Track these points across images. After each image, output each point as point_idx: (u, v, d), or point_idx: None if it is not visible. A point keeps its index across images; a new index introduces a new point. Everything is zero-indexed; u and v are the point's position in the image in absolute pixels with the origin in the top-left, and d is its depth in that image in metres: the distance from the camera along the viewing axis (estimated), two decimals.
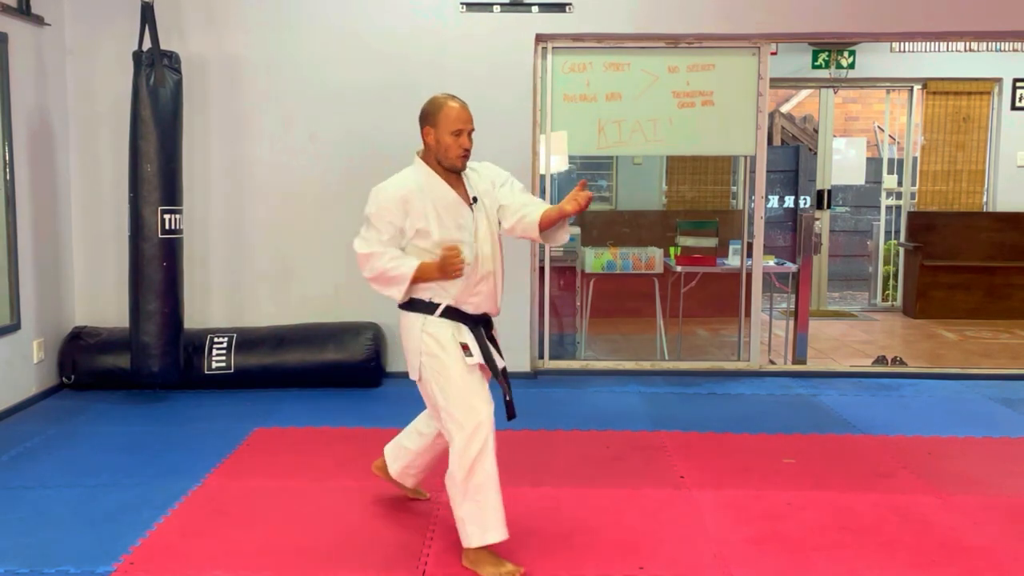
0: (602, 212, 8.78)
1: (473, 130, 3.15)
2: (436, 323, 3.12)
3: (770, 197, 9.93)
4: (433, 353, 3.10)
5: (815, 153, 9.30)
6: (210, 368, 5.36)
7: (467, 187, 3.18)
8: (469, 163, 3.20)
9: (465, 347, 3.11)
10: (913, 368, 6.25)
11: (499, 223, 3.23)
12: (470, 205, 3.15)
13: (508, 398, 3.14)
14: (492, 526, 3.03)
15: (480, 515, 3.03)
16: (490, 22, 5.67)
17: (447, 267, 3.01)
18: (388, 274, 3.09)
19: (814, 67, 8.25)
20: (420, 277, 3.07)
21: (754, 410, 5.17)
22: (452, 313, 3.13)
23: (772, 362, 6.35)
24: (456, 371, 3.08)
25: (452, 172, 3.15)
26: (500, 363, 3.18)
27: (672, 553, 3.22)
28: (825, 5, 5.69)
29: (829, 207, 8.84)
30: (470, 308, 3.15)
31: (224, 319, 5.74)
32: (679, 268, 6.46)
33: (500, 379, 3.16)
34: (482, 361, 3.12)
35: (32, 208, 5.18)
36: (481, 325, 3.19)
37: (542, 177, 5.90)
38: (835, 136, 9.56)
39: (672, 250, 6.74)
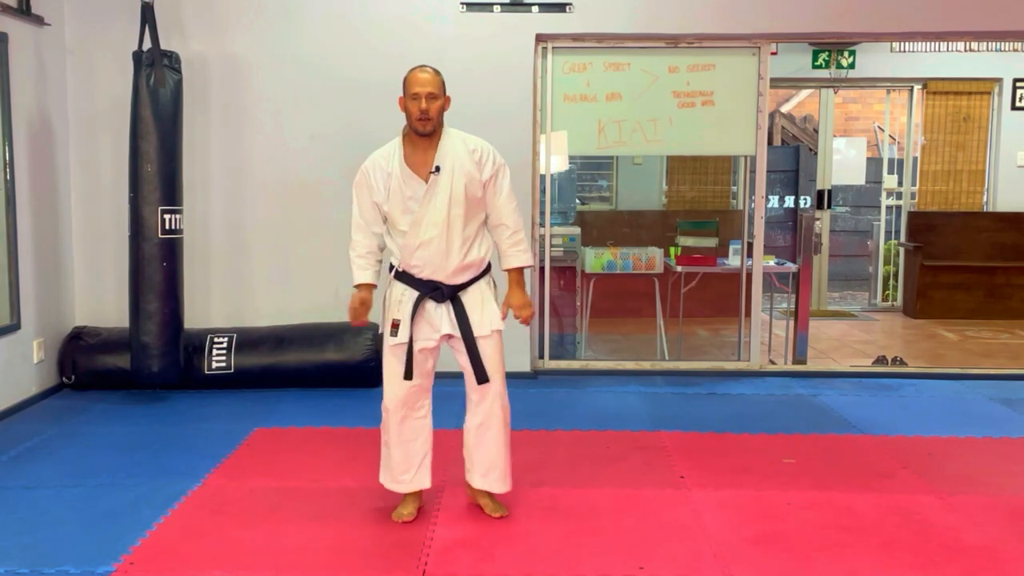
0: (602, 212, 8.78)
1: (433, 95, 3.24)
2: (394, 284, 3.38)
3: (770, 197, 9.93)
4: (387, 307, 3.41)
5: (815, 153, 9.29)
6: (210, 368, 5.36)
7: (437, 154, 3.28)
8: (466, 136, 3.35)
9: (395, 324, 3.32)
10: (913, 368, 6.25)
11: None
12: (430, 173, 3.26)
13: (477, 361, 3.34)
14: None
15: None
16: (490, 22, 5.67)
17: (350, 311, 3.38)
18: (352, 266, 3.42)
19: (814, 67, 8.24)
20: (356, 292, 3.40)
21: (754, 410, 5.17)
22: (404, 277, 3.34)
23: (772, 362, 6.35)
24: (386, 344, 3.38)
25: (422, 137, 3.27)
26: (484, 329, 3.34)
27: (672, 553, 3.22)
28: (825, 5, 5.69)
29: (829, 207, 8.84)
30: (416, 273, 3.32)
31: (224, 319, 5.74)
32: (679, 268, 6.45)
33: (470, 347, 3.33)
34: (404, 341, 3.30)
35: (32, 208, 5.18)
36: (440, 294, 3.31)
37: (542, 177, 5.90)
38: (835, 136, 9.55)
39: (672, 250, 6.74)
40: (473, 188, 3.30)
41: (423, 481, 3.49)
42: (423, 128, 3.25)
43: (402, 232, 3.30)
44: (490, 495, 3.52)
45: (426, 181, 3.26)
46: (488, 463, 3.46)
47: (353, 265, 3.40)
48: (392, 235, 3.37)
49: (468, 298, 3.36)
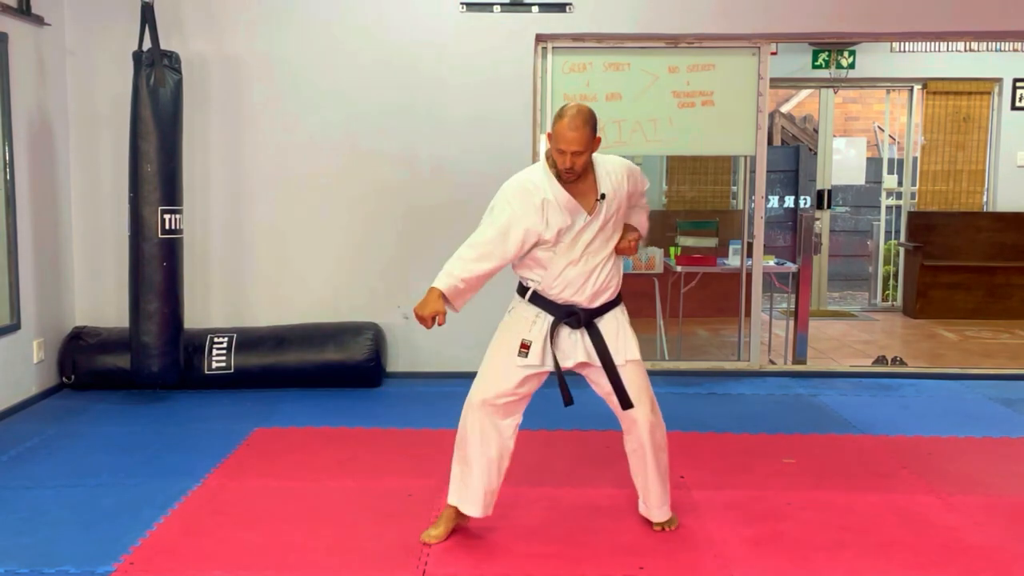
0: None
1: (579, 152, 3.07)
2: (523, 306, 3.26)
3: (770, 197, 9.93)
4: (501, 329, 3.29)
5: (815, 153, 9.30)
6: (210, 368, 5.36)
7: (599, 182, 3.19)
8: (603, 158, 3.24)
9: (525, 346, 3.21)
10: (913, 368, 6.25)
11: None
12: (596, 200, 3.16)
13: (620, 389, 3.26)
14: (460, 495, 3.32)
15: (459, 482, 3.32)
16: (490, 22, 5.67)
17: (420, 316, 3.08)
18: (442, 271, 3.13)
19: (814, 67, 8.24)
20: (432, 294, 3.10)
21: (754, 410, 5.17)
22: (539, 300, 3.22)
23: (772, 362, 6.35)
24: (499, 355, 3.25)
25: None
26: (620, 358, 3.25)
27: (672, 553, 3.22)
28: (825, 5, 5.69)
29: (829, 207, 8.84)
30: (554, 296, 3.21)
31: (224, 319, 5.74)
32: (679, 268, 6.46)
33: (611, 374, 3.25)
34: (537, 363, 3.21)
35: (32, 208, 5.18)
36: (576, 319, 3.21)
37: None
38: (835, 136, 9.56)
39: (672, 250, 6.74)
40: (622, 210, 3.26)
41: (491, 504, 3.33)
42: (568, 179, 3.15)
43: (550, 257, 3.17)
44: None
45: (587, 209, 3.15)
46: (642, 490, 3.40)
47: (444, 272, 3.12)
48: (530, 263, 3.21)
49: (604, 325, 3.25)
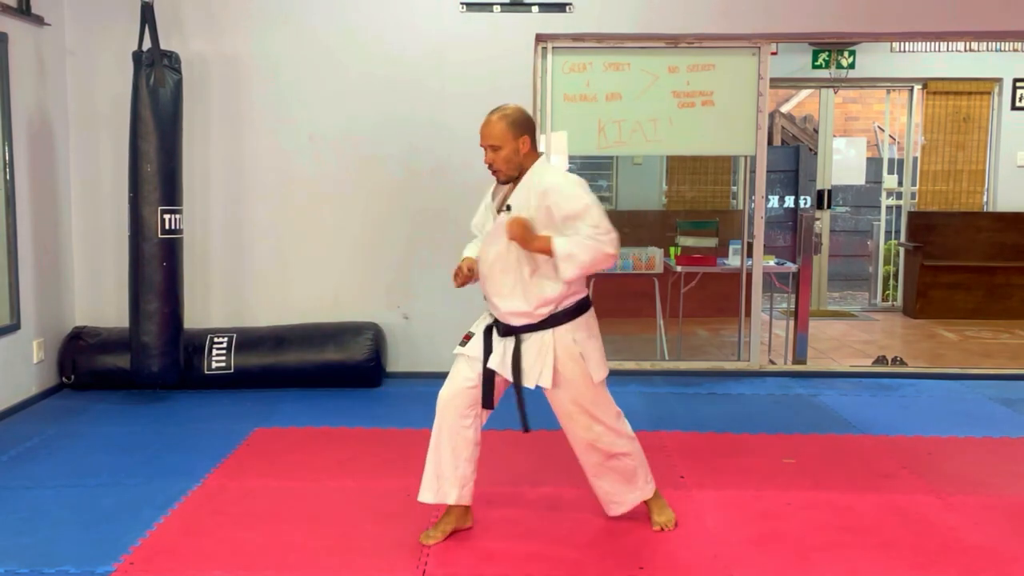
0: None
1: (494, 146, 3.14)
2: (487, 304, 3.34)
3: (770, 197, 9.93)
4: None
5: (815, 153, 9.30)
6: (210, 368, 5.36)
7: (514, 192, 3.20)
8: (555, 174, 3.27)
9: (467, 336, 3.28)
10: (913, 368, 6.25)
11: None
12: (499, 210, 3.20)
13: (522, 413, 3.31)
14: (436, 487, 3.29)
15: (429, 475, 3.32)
16: (490, 22, 5.67)
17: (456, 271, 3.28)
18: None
19: (814, 67, 8.25)
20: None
21: (754, 410, 5.17)
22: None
23: (772, 362, 6.35)
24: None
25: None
26: (530, 381, 3.21)
27: (672, 553, 3.22)
28: (825, 5, 5.69)
29: (829, 207, 8.84)
30: (490, 305, 3.30)
31: (224, 319, 5.74)
32: (679, 268, 6.46)
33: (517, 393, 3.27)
34: (471, 355, 3.26)
35: (32, 208, 5.18)
36: (500, 328, 3.24)
37: None
38: (835, 136, 9.56)
39: (672, 250, 6.74)
40: (540, 229, 3.12)
41: (449, 494, 3.28)
42: (496, 177, 3.22)
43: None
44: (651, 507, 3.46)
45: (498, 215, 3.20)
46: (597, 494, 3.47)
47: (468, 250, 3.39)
48: None
49: (527, 344, 3.20)
